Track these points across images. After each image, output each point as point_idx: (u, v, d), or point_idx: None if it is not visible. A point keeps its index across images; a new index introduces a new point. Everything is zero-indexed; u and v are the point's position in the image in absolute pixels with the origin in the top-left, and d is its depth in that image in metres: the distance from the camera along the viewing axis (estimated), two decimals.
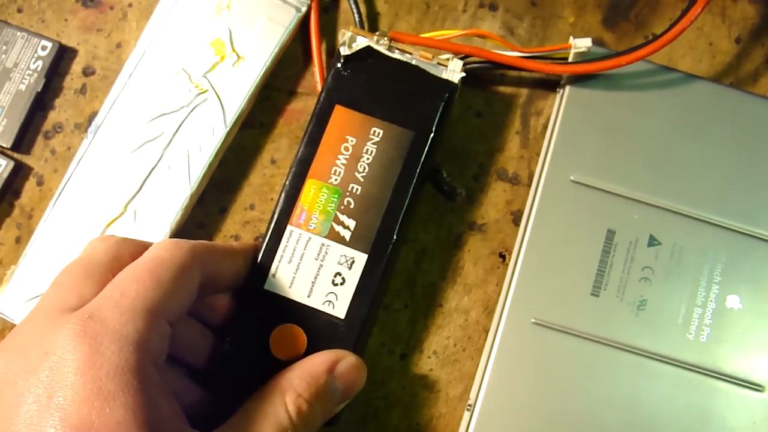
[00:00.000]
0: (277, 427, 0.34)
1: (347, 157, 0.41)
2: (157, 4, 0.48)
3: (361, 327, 0.40)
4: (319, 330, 0.40)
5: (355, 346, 0.40)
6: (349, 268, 0.40)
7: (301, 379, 0.37)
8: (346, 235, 0.41)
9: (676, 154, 0.46)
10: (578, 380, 0.43)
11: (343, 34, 0.42)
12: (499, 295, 0.46)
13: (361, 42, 0.42)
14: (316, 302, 0.40)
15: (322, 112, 0.42)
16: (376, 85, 0.42)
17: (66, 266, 0.35)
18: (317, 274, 0.40)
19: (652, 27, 0.51)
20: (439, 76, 0.42)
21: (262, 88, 0.49)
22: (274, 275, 0.40)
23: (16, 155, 0.48)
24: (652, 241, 0.45)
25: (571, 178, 0.45)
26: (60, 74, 0.50)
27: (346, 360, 0.39)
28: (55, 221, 0.46)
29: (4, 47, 0.49)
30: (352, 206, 0.41)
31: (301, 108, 0.49)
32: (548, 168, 0.46)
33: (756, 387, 0.44)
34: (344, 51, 0.42)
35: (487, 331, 0.46)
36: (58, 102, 0.49)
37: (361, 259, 0.40)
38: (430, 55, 0.43)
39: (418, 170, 0.41)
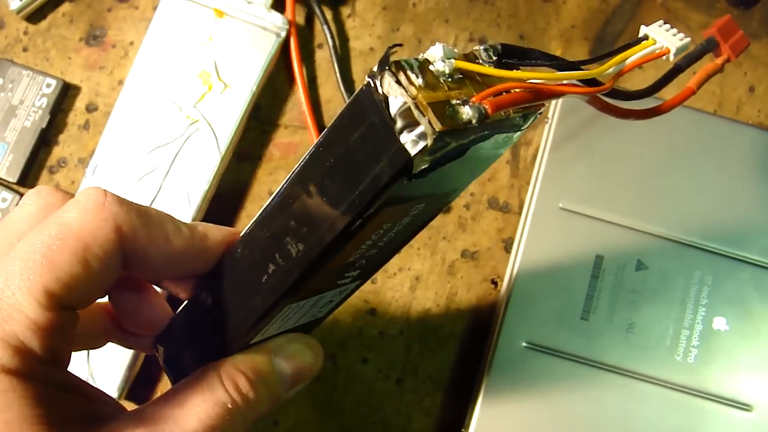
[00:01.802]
0: (213, 402, 0.32)
1: None
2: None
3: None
4: None
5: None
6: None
7: (244, 355, 0.33)
8: None
9: (661, 180, 0.49)
10: (569, 402, 0.46)
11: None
12: (491, 320, 0.48)
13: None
14: None
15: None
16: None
17: None
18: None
19: None
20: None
21: (257, 122, 0.52)
22: None
23: (21, 189, 0.51)
24: (640, 266, 0.48)
25: (560, 205, 0.48)
26: (64, 111, 0.53)
27: (294, 340, 0.35)
28: None
29: (11, 85, 0.52)
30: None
31: (297, 141, 0.52)
32: (537, 196, 0.49)
33: (743, 406, 0.46)
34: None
35: (480, 356, 0.48)
36: (62, 137, 0.52)
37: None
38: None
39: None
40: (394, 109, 0.24)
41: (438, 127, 0.24)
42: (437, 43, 0.26)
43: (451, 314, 0.50)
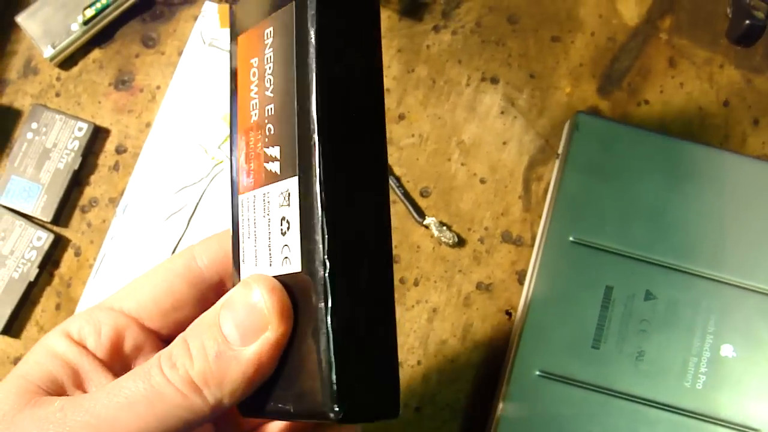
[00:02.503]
0: (144, 385, 0.28)
1: (256, 83, 0.31)
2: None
3: (326, 269, 0.27)
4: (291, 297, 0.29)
5: (337, 300, 0.27)
6: (288, 205, 0.29)
7: (192, 326, 0.29)
8: (275, 167, 0.30)
9: (669, 212, 0.52)
10: (582, 428, 0.48)
11: None
12: (506, 350, 0.51)
13: None
14: (276, 268, 0.30)
15: (231, 58, 0.33)
16: None
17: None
18: (269, 234, 0.30)
19: (645, 94, 0.57)
20: None
21: None
22: (243, 261, 0.32)
23: (55, 228, 0.55)
24: (649, 296, 0.50)
25: (571, 238, 0.51)
26: (95, 152, 0.56)
27: (240, 289, 0.29)
28: (94, 291, 0.52)
29: (44, 129, 0.55)
30: (272, 132, 0.30)
31: None
32: (549, 230, 0.51)
33: (752, 431, 0.49)
34: None
35: (495, 385, 0.51)
36: (93, 178, 0.56)
37: (292, 185, 0.29)
38: None
39: (312, 39, 0.28)
40: None
41: None
42: None
43: (467, 344, 0.52)
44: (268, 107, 0.30)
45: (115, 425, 0.27)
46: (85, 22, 0.56)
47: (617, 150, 0.53)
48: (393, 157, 0.55)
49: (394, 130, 0.56)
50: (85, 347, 0.31)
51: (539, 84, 0.57)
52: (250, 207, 0.32)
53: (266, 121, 0.31)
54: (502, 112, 0.56)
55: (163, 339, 0.33)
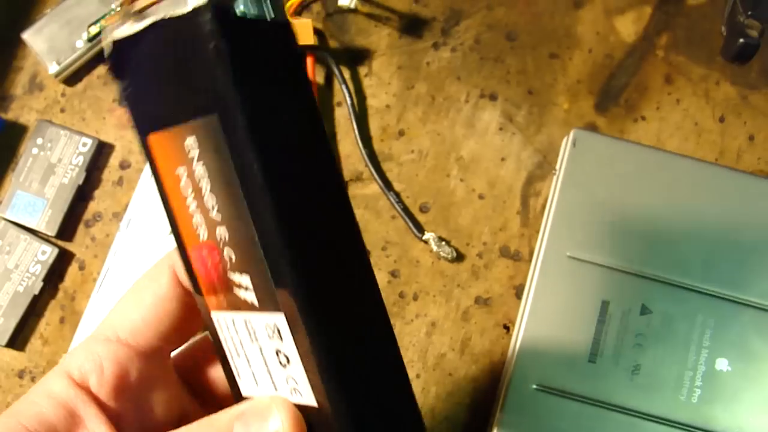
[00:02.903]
0: None
1: (193, 198, 0.28)
2: None
3: (346, 406, 0.27)
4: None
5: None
6: (281, 339, 0.28)
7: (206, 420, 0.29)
8: (249, 297, 0.28)
9: (665, 228, 0.53)
10: None
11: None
12: (504, 363, 0.52)
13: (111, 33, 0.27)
14: (283, 393, 0.29)
15: (147, 155, 0.29)
16: (152, 78, 0.27)
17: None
18: (265, 363, 0.29)
19: (641, 111, 0.58)
20: (183, 12, 0.24)
21: None
22: (239, 376, 0.31)
23: (60, 242, 0.56)
24: (644, 310, 0.51)
25: (568, 253, 0.52)
26: (99, 168, 0.57)
27: (262, 411, 0.28)
28: (98, 305, 0.53)
29: (49, 144, 0.56)
30: (234, 259, 0.28)
31: None
32: (546, 245, 0.52)
33: None
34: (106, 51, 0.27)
35: (493, 398, 0.52)
36: (97, 193, 0.57)
37: (280, 322, 0.27)
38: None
39: (254, 162, 0.25)
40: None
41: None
42: None
43: (465, 358, 0.53)
44: (219, 230, 0.28)
45: None
46: (90, 39, 0.57)
47: (614, 166, 0.54)
48: (393, 172, 0.56)
49: (393, 146, 0.57)
50: (86, 388, 0.31)
51: (537, 100, 0.58)
52: (230, 327, 0.30)
53: (221, 244, 0.28)
54: (501, 129, 0.57)
55: (160, 354, 0.33)
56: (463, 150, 0.57)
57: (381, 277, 0.54)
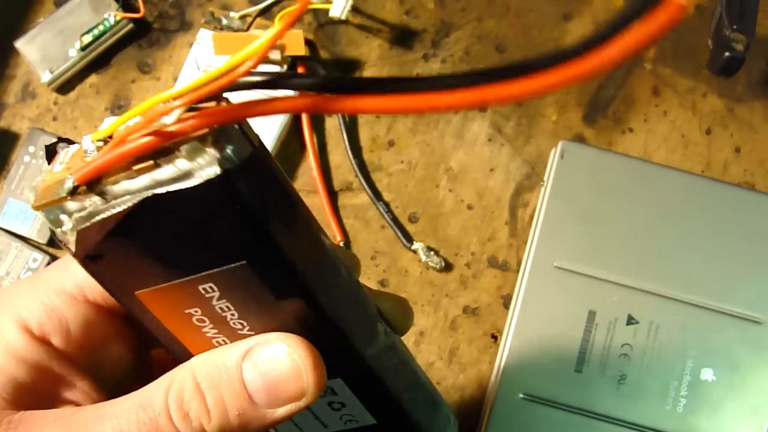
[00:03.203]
0: (137, 418, 0.26)
1: (213, 328, 0.27)
2: None
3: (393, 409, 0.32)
4: None
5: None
6: (336, 394, 0.31)
7: (203, 365, 0.27)
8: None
9: (651, 239, 0.54)
10: None
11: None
12: (491, 372, 0.53)
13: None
14: None
15: (131, 307, 0.28)
16: (135, 245, 0.25)
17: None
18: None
19: (629, 122, 0.58)
20: (195, 184, 0.22)
21: None
22: None
23: (50, 250, 0.56)
24: (631, 320, 0.52)
25: (555, 264, 0.53)
26: None
27: (271, 345, 0.27)
28: None
29: (41, 152, 0.57)
30: None
31: (309, 204, 0.57)
32: (534, 255, 0.53)
33: None
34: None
35: (481, 407, 0.52)
36: None
37: (338, 384, 0.30)
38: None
39: (293, 281, 0.26)
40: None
41: (32, 206, 0.24)
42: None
43: (453, 367, 0.54)
44: (246, 332, 0.28)
45: None
46: (83, 48, 0.58)
47: (602, 177, 0.55)
48: (382, 183, 0.57)
49: (383, 157, 0.57)
50: (49, 344, 0.28)
51: (526, 112, 0.59)
52: None
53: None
54: (490, 140, 0.58)
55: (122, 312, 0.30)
56: (452, 161, 0.57)
57: (370, 286, 0.55)
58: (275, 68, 0.57)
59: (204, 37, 0.58)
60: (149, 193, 0.22)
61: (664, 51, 0.60)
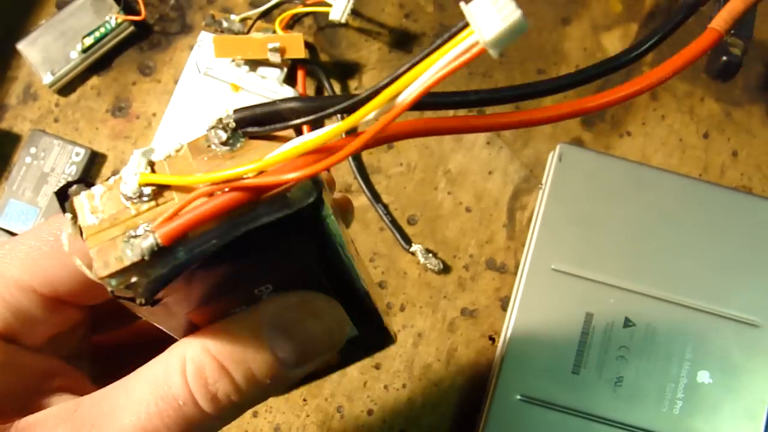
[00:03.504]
0: (161, 396, 0.25)
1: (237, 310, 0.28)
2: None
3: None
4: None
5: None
6: None
7: (220, 341, 0.26)
8: None
9: (649, 242, 0.54)
10: None
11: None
12: (489, 374, 0.53)
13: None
14: None
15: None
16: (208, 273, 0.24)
17: None
18: None
19: (627, 126, 0.59)
20: (292, 211, 0.23)
21: None
22: None
23: None
24: (628, 323, 0.52)
25: (553, 266, 0.53)
26: (91, 177, 0.58)
27: (296, 305, 0.27)
28: None
29: (43, 154, 0.57)
30: None
31: None
32: (531, 258, 0.53)
33: None
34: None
35: (478, 408, 0.53)
36: None
37: None
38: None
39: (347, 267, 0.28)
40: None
41: (97, 276, 0.22)
42: (135, 150, 0.24)
43: (451, 368, 0.54)
44: None
45: None
46: (84, 50, 0.58)
47: (599, 180, 0.55)
48: (381, 185, 0.57)
49: (382, 159, 0.58)
50: (19, 343, 0.27)
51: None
52: None
53: None
54: (488, 143, 0.58)
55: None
56: (450, 163, 0.58)
57: None
58: (276, 71, 0.57)
59: (204, 39, 0.59)
60: (239, 232, 0.22)
61: (662, 56, 0.60)
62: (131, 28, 0.60)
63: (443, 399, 0.54)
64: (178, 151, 0.24)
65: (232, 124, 0.24)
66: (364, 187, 0.57)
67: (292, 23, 0.60)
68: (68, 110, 0.59)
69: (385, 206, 0.57)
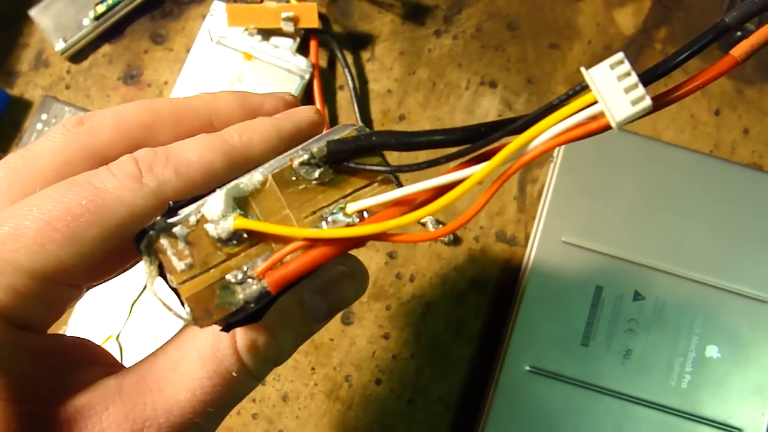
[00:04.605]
0: (214, 370, 0.25)
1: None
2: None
3: None
4: None
5: None
6: None
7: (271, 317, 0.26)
8: None
9: (659, 217, 0.54)
10: (569, 423, 0.50)
11: None
12: (498, 345, 0.53)
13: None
14: None
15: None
16: None
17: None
18: None
19: None
20: None
21: None
22: None
23: None
24: (637, 296, 0.52)
25: (563, 239, 0.53)
26: None
27: (333, 268, 0.29)
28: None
29: (54, 120, 0.57)
30: None
31: None
32: (542, 230, 0.53)
33: (734, 430, 0.50)
34: None
35: (486, 379, 0.52)
36: None
37: None
38: None
39: None
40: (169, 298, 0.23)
41: (202, 324, 0.22)
42: (217, 190, 0.23)
43: (460, 339, 0.54)
44: None
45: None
46: (96, 18, 0.58)
47: (611, 154, 0.55)
48: (392, 156, 0.57)
49: None
50: (34, 330, 0.26)
51: (536, 89, 0.59)
52: None
53: None
54: (500, 115, 0.58)
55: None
56: None
57: (379, 259, 0.55)
58: (288, 41, 0.57)
59: (217, 8, 0.58)
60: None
61: (675, 32, 0.60)
62: None
63: (452, 369, 0.54)
64: (263, 184, 0.24)
65: (323, 155, 0.24)
66: None
67: None
68: (80, 77, 0.59)
69: (396, 177, 0.56)
